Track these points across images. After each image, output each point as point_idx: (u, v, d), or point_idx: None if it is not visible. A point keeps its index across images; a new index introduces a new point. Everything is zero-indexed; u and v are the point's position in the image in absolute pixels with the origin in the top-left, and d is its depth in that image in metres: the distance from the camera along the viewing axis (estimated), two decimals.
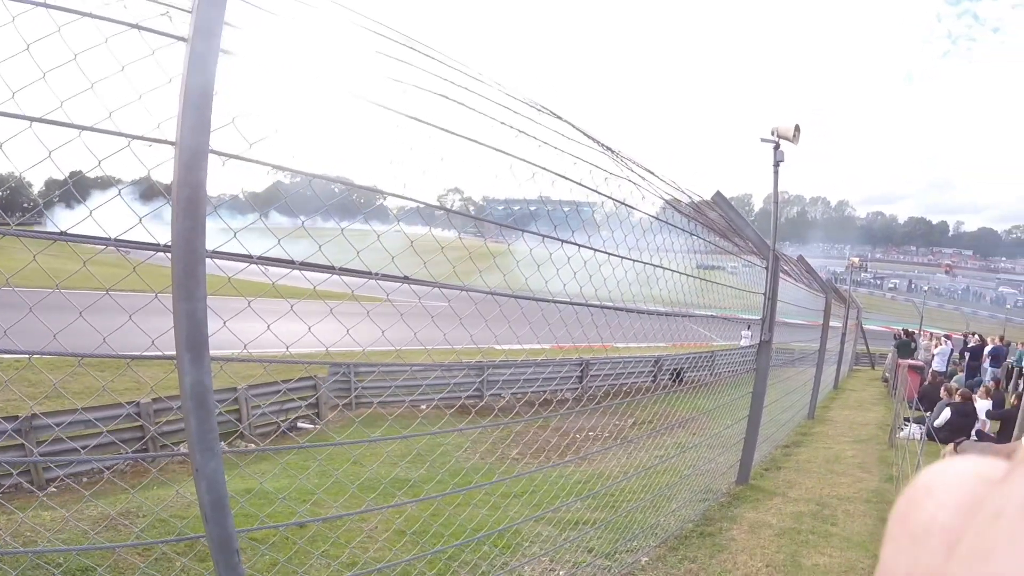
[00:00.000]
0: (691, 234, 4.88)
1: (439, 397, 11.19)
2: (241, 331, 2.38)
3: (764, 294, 6.61)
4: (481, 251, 3.71)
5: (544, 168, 3.31)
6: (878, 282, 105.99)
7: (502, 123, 2.98)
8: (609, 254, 4.20)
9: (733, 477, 7.04)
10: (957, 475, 0.40)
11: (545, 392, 14.66)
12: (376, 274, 2.60)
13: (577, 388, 15.20)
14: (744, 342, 17.89)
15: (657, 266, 4.46)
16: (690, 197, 5.48)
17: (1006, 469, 0.37)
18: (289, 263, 2.38)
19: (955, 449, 3.05)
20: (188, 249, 1.92)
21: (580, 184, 3.70)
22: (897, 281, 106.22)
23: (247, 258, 2.22)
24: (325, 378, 13.49)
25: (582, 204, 4.45)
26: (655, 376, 16.02)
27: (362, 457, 7.85)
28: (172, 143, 1.88)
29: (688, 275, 4.87)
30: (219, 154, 2.00)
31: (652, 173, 4.59)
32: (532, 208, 4.19)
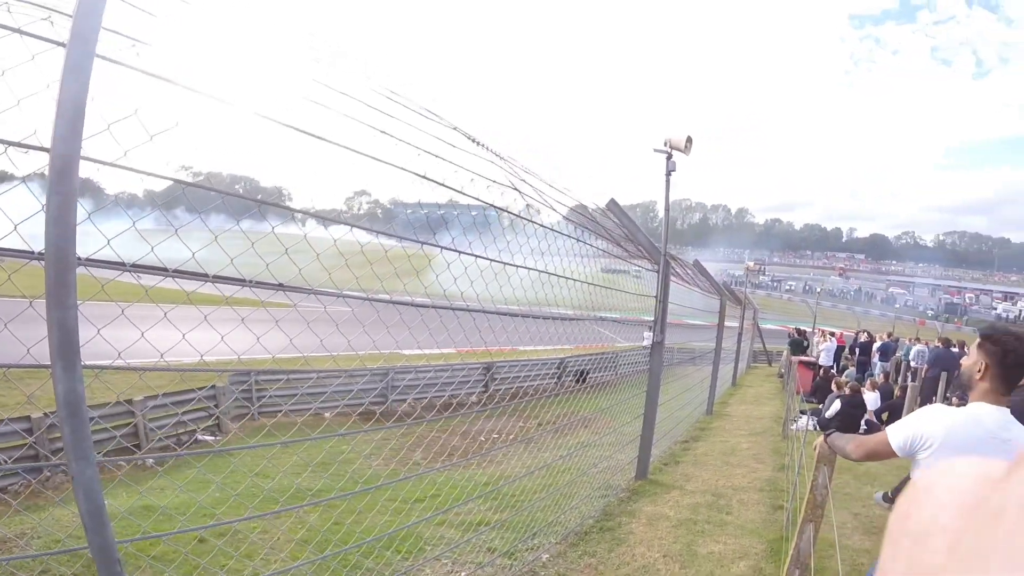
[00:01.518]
0: (578, 240, 4.93)
1: (344, 403, 10.99)
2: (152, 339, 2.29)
3: (656, 297, 6.74)
4: (391, 255, 3.65)
5: (443, 184, 3.28)
6: (776, 284, 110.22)
7: (399, 140, 2.92)
8: (503, 263, 4.20)
9: (633, 473, 7.15)
10: (957, 476, 0.40)
11: (445, 395, 14.57)
12: (250, 282, 2.50)
13: (482, 391, 15.17)
14: (647, 342, 18.34)
15: (542, 271, 4.47)
16: (586, 205, 5.59)
17: (1006, 469, 0.38)
18: (162, 270, 2.27)
19: (825, 441, 3.14)
20: (59, 257, 1.86)
21: (479, 200, 3.69)
22: (793, 283, 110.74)
23: (120, 266, 2.12)
24: (226, 388, 13.03)
25: (490, 208, 4.44)
26: (560, 377, 16.17)
27: (264, 468, 7.61)
28: (47, 150, 1.81)
29: (576, 280, 4.90)
30: (92, 160, 1.94)
31: (548, 184, 4.64)
32: (441, 212, 4.16)
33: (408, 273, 3.67)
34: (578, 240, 4.91)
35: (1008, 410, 2.40)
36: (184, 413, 12.00)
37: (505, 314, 4.37)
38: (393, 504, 5.69)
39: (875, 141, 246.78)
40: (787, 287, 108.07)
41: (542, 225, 4.48)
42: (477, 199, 3.73)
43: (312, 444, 8.13)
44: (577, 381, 14.70)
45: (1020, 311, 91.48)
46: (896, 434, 2.49)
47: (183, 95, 2.12)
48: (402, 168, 2.93)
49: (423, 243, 3.63)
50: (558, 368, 16.41)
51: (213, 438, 12.32)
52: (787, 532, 5.70)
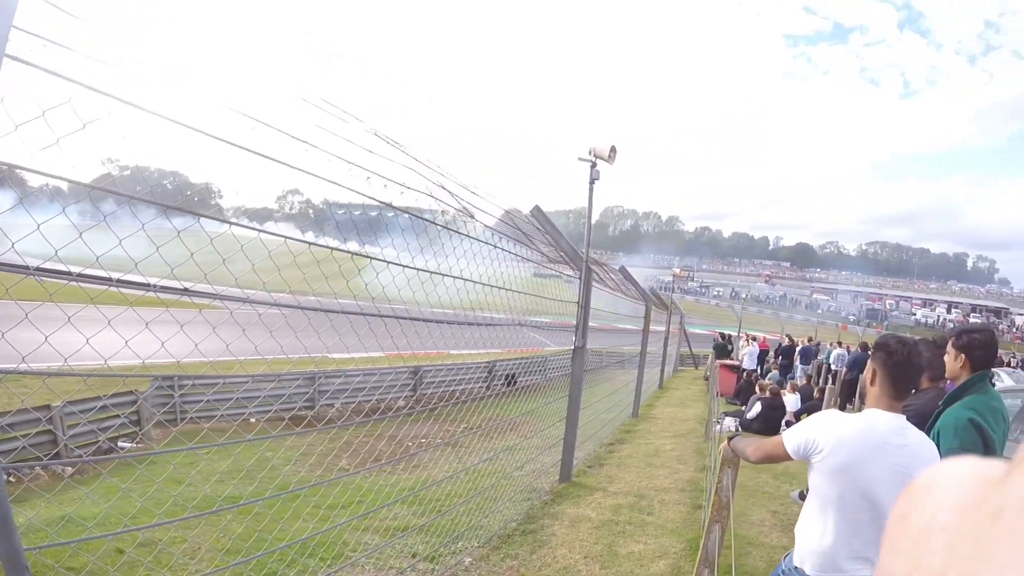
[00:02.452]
0: (495, 247, 4.95)
1: (273, 409, 10.73)
2: (63, 343, 2.18)
3: (578, 303, 6.81)
4: (323, 257, 3.59)
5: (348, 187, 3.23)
6: (704, 290, 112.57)
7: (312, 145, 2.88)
8: (430, 272, 4.19)
9: (557, 476, 7.20)
10: (956, 475, 0.39)
11: (373, 400, 14.36)
12: (154, 286, 2.42)
13: (411, 395, 15.04)
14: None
15: (465, 279, 4.47)
16: (511, 211, 5.65)
17: (1006, 469, 0.37)
18: (67, 274, 2.19)
19: (728, 444, 3.21)
20: None
21: (382, 202, 3.65)
22: (721, 289, 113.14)
23: (24, 269, 2.04)
24: (148, 393, 12.55)
25: (424, 211, 4.42)
26: (489, 381, 16.17)
27: (187, 477, 7.38)
28: None
29: (495, 287, 4.91)
30: None
31: (469, 189, 4.65)
32: (374, 214, 4.11)
33: (341, 275, 3.63)
34: (495, 247, 4.92)
35: (903, 416, 2.46)
36: (105, 420, 11.51)
37: (430, 321, 4.36)
38: (319, 511, 5.60)
39: (804, 155, 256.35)
40: (715, 293, 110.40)
41: (457, 232, 4.48)
42: (386, 203, 3.70)
43: (240, 451, 7.91)
44: (506, 384, 14.72)
45: (938, 317, 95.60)
46: (791, 439, 2.54)
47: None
48: (312, 174, 2.88)
49: (353, 253, 3.60)
50: (487, 372, 16.40)
51: (134, 445, 11.88)
52: (700, 530, 5.83)
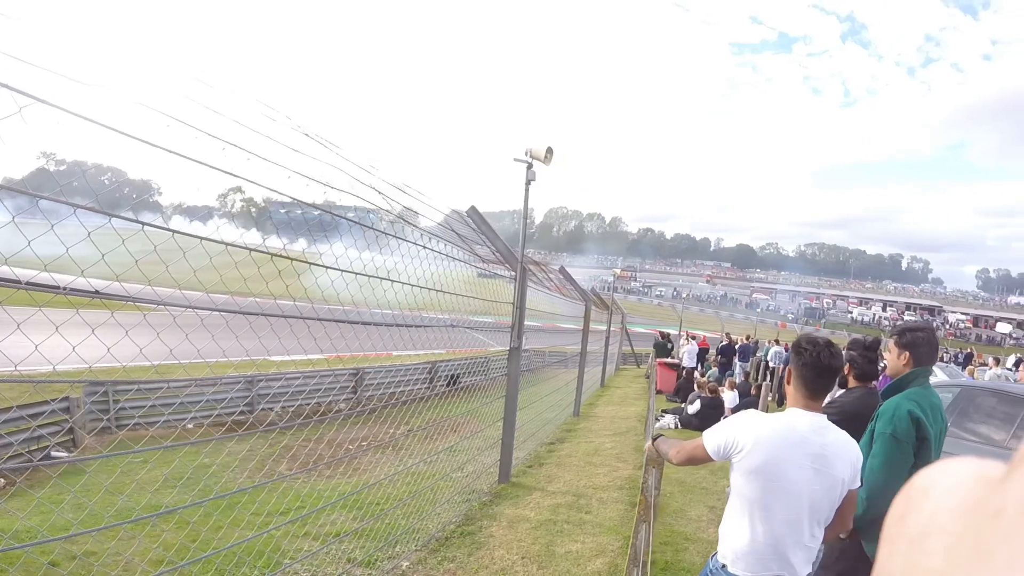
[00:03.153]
0: (424, 247, 4.91)
1: (213, 414, 10.48)
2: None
3: (513, 303, 6.80)
4: (264, 257, 3.51)
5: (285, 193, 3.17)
6: (646, 290, 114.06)
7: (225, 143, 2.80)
8: (368, 276, 4.14)
9: (496, 476, 7.19)
10: (955, 476, 0.39)
11: (312, 402, 14.10)
12: (64, 288, 2.33)
13: (352, 398, 14.83)
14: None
15: (390, 280, 4.42)
16: (447, 211, 5.65)
17: (1005, 469, 0.36)
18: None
19: (652, 444, 3.23)
20: None
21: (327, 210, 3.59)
22: (663, 289, 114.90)
23: None
24: (80, 399, 12.08)
25: (369, 211, 4.37)
26: (431, 382, 16.07)
27: (122, 486, 7.14)
28: None
29: (415, 285, 4.87)
30: None
31: (398, 188, 4.61)
32: (316, 213, 4.06)
33: (281, 278, 3.56)
34: (423, 247, 4.88)
35: (823, 415, 2.50)
36: (35, 428, 11.05)
37: (369, 323, 4.30)
38: (258, 519, 5.48)
39: (747, 160, 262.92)
40: (657, 293, 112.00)
41: (384, 232, 4.44)
42: (311, 205, 3.64)
43: (179, 459, 7.69)
44: (449, 386, 14.66)
45: (874, 315, 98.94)
46: (711, 440, 2.54)
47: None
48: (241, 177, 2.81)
49: (292, 259, 3.53)
50: (429, 373, 16.29)
51: (67, 454, 11.43)
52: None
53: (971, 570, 0.33)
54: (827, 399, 2.90)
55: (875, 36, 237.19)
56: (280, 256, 3.50)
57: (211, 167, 2.76)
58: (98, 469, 7.62)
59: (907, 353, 3.28)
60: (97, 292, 2.40)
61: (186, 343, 2.91)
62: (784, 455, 2.34)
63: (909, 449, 3.00)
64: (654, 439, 3.20)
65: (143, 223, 2.64)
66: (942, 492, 0.39)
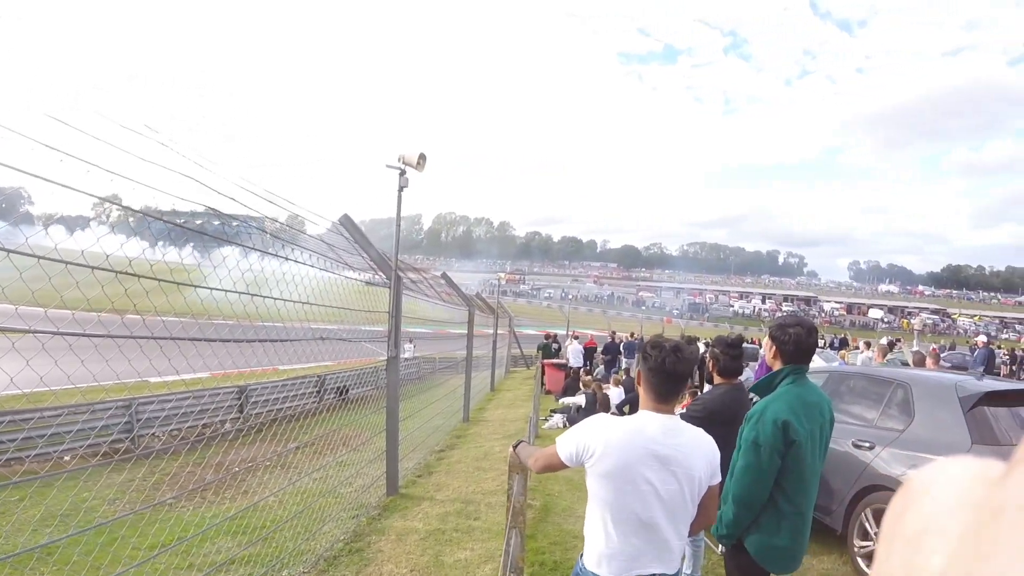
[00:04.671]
0: (285, 259, 4.82)
1: (87, 443, 9.88)
2: None
3: (388, 312, 6.74)
4: (142, 269, 3.34)
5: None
6: (536, 292, 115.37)
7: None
8: (240, 293, 4.02)
9: (384, 489, 7.11)
10: (952, 476, 0.38)
11: (192, 423, 13.45)
12: None
13: (238, 417, 14.28)
14: (407, 354, 18.50)
15: (255, 295, 4.33)
16: (315, 222, 5.57)
17: (1004, 469, 0.36)
18: None
19: (514, 450, 3.25)
20: None
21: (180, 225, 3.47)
22: (552, 291, 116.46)
23: None
24: None
25: (252, 219, 4.25)
26: (320, 395, 15.71)
27: None
28: None
29: (294, 301, 4.79)
30: None
31: (265, 199, 4.52)
32: (199, 222, 3.91)
33: (165, 288, 3.41)
34: (286, 259, 4.79)
35: (676, 416, 2.55)
36: None
37: (214, 341, 4.17)
38: (139, 553, 5.20)
39: (631, 164, 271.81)
40: (546, 295, 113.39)
41: (243, 245, 4.35)
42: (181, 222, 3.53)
43: (53, 493, 7.15)
44: (338, 397, 14.38)
45: (754, 307, 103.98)
46: (563, 446, 2.56)
47: None
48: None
49: (161, 280, 3.39)
50: (318, 386, 15.89)
51: None
52: (530, 530, 5.95)
53: (972, 569, 0.33)
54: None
55: (755, 50, 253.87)
56: (147, 278, 3.36)
57: (75, 189, 2.65)
58: None
59: (775, 347, 3.31)
60: None
61: (56, 369, 2.76)
62: (635, 458, 2.38)
63: (773, 455, 3.02)
64: (514, 446, 3.20)
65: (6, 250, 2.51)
66: (940, 492, 0.39)
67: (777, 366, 3.32)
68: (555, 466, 2.68)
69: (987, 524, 0.34)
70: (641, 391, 2.59)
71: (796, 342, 3.22)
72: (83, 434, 10.62)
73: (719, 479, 2.58)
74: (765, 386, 3.34)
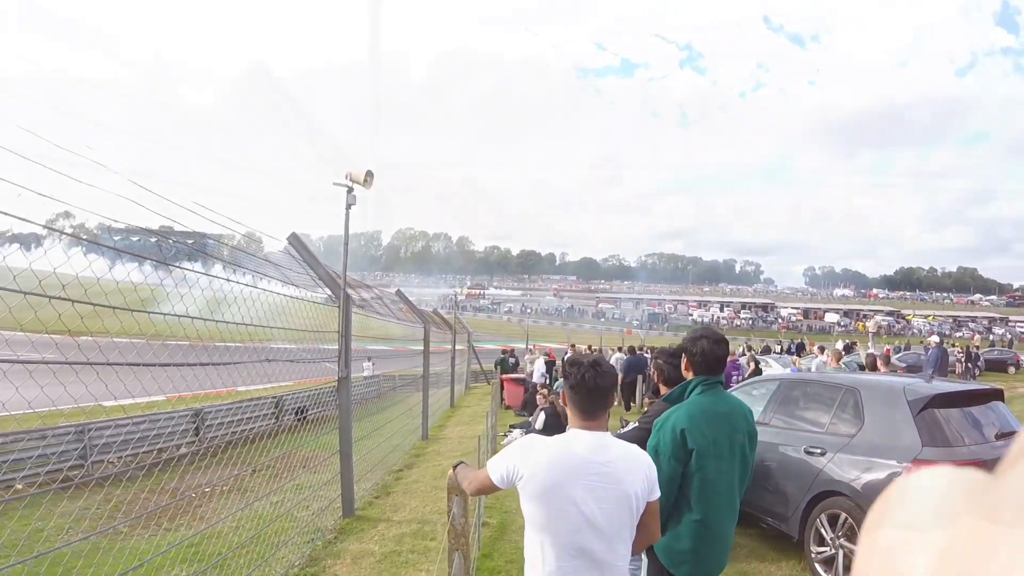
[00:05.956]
0: (227, 280, 4.79)
1: (44, 470, 9.61)
2: None
3: (338, 332, 6.70)
4: (99, 289, 3.31)
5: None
6: (495, 307, 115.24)
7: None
8: (192, 317, 4.01)
9: (340, 512, 7.06)
10: (930, 483, 0.40)
11: (146, 447, 13.15)
12: None
13: (194, 440, 13.99)
14: (366, 372, 18.38)
15: (197, 317, 4.32)
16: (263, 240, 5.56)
17: (1001, 469, 0.36)
18: None
19: (453, 472, 3.24)
20: None
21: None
22: (512, 305, 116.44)
23: None
24: None
25: (208, 236, 4.23)
26: (278, 416, 15.49)
27: None
28: None
29: (239, 324, 4.78)
30: None
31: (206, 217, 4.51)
32: (153, 240, 3.89)
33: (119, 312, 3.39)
34: (227, 280, 4.76)
35: (605, 433, 2.51)
36: None
37: (168, 365, 4.15)
38: None
39: (588, 176, 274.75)
40: (506, 309, 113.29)
41: (189, 269, 4.34)
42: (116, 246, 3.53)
43: (11, 527, 6.91)
44: (296, 417, 14.20)
45: (713, 315, 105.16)
46: (494, 469, 2.53)
47: None
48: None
49: (115, 308, 3.37)
50: (276, 407, 15.64)
51: None
52: (486, 548, 5.98)
53: (969, 569, 0.33)
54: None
55: (710, 63, 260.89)
56: (108, 306, 3.34)
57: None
58: None
59: (687, 359, 3.39)
60: None
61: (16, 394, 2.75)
62: (564, 478, 2.36)
63: (671, 461, 3.09)
64: (455, 467, 3.16)
65: None
66: (919, 499, 0.40)
67: (690, 376, 3.40)
68: (487, 488, 2.64)
69: (981, 525, 0.34)
70: (568, 409, 2.58)
71: (703, 353, 3.31)
72: (41, 460, 10.38)
73: (659, 494, 2.54)
74: (678, 396, 3.42)
